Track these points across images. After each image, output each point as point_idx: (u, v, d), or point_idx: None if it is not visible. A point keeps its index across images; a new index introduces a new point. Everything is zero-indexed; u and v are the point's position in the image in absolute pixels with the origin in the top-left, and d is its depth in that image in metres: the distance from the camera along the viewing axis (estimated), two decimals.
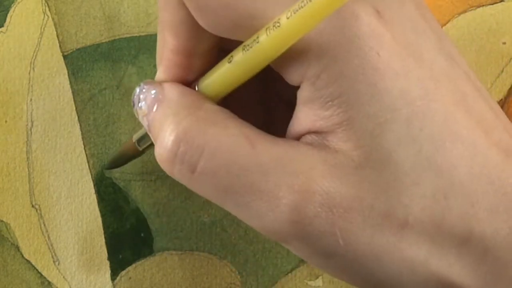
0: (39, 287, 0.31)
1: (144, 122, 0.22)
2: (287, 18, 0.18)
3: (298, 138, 0.21)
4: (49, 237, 0.31)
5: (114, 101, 0.31)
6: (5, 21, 0.31)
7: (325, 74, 0.19)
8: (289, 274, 0.31)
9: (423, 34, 0.20)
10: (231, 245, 0.31)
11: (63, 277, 0.31)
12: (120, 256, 0.31)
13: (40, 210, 0.31)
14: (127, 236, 0.31)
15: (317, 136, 0.20)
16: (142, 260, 0.31)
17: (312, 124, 0.20)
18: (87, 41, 0.31)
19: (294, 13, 0.18)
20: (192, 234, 0.31)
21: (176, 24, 0.21)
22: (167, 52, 0.22)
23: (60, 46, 0.31)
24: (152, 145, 0.27)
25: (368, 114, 0.19)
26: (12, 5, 0.31)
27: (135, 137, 0.27)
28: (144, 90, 0.22)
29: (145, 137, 0.27)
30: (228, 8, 0.19)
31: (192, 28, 0.21)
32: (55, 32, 0.31)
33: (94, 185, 0.31)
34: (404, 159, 0.19)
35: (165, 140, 0.20)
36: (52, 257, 0.31)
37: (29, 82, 0.31)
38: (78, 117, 0.31)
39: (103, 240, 0.31)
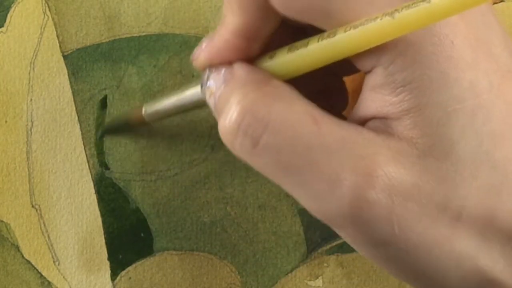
0: (39, 287, 0.31)
1: (211, 101, 0.22)
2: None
3: (362, 123, 0.21)
4: (49, 237, 0.31)
5: (114, 101, 0.31)
6: (5, 21, 0.31)
7: (400, 59, 0.19)
8: (289, 274, 0.31)
9: (492, 28, 0.20)
10: (231, 245, 0.31)
11: (63, 277, 0.31)
12: (120, 256, 0.31)
13: (40, 210, 0.31)
14: (127, 236, 0.31)
15: (381, 123, 0.20)
16: (142, 260, 0.31)
17: (379, 109, 0.20)
18: (87, 41, 0.31)
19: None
20: (192, 234, 0.31)
21: (245, 3, 0.21)
22: (224, 33, 0.22)
23: (60, 46, 0.31)
24: (158, 120, 0.27)
25: (437, 102, 0.19)
26: (12, 5, 0.31)
27: (145, 107, 0.27)
28: (213, 70, 0.22)
29: (153, 109, 0.26)
30: None
31: (262, 9, 0.21)
32: (55, 32, 0.31)
33: (94, 185, 0.31)
34: (465, 151, 0.19)
35: (230, 112, 0.20)
36: (52, 257, 0.31)
37: (29, 82, 0.31)
38: (78, 117, 0.31)
39: (103, 240, 0.31)
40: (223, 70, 0.22)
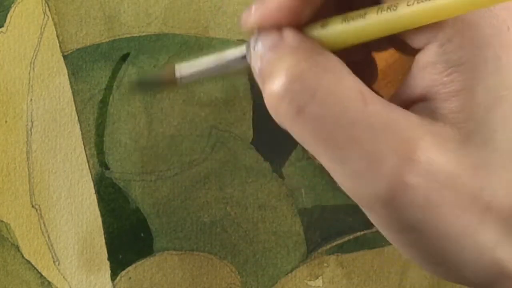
0: (39, 287, 0.31)
1: (257, 64, 0.21)
2: None
3: (408, 102, 0.20)
4: (49, 237, 0.31)
5: (114, 101, 0.31)
6: (5, 21, 0.31)
7: (458, 38, 0.19)
8: (289, 274, 0.31)
9: None
10: (231, 245, 0.31)
11: (63, 277, 0.31)
12: (120, 256, 0.31)
13: (40, 210, 0.31)
14: (127, 236, 0.31)
15: (427, 106, 0.20)
16: (142, 260, 0.31)
17: (428, 89, 0.20)
18: (87, 41, 0.31)
19: None
20: (192, 234, 0.31)
21: None
22: None
23: (60, 46, 0.31)
24: (191, 82, 0.26)
25: (487, 87, 0.19)
26: (12, 5, 0.31)
27: (179, 67, 0.26)
28: (262, 34, 0.22)
29: (187, 69, 0.25)
30: None
31: None
32: (55, 32, 0.31)
33: (94, 185, 0.31)
34: (503, 141, 0.19)
35: (279, 77, 0.20)
36: (52, 257, 0.31)
37: (29, 82, 0.31)
38: (78, 117, 0.31)
39: (103, 240, 0.31)
40: (273, 34, 0.21)
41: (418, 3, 0.19)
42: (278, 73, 0.20)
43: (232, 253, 0.31)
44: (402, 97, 0.21)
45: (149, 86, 0.29)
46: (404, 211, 0.19)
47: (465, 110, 0.19)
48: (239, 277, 0.31)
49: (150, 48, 0.31)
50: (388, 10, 0.19)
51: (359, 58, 0.25)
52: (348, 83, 0.20)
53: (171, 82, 0.26)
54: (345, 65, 0.20)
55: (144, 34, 0.31)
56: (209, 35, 0.31)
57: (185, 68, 0.26)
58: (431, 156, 0.19)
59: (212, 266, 0.31)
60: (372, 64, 0.27)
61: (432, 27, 0.19)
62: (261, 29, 0.22)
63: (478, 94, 0.19)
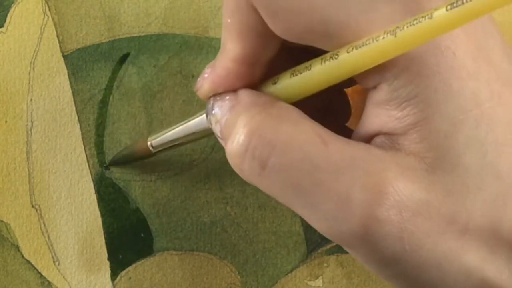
0: (39, 287, 0.31)
1: (217, 128, 0.22)
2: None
3: (366, 140, 0.21)
4: (49, 237, 0.31)
5: (114, 101, 0.31)
6: (5, 21, 0.31)
7: (404, 74, 0.19)
8: (289, 274, 0.31)
9: (491, 36, 0.20)
10: (231, 245, 0.31)
11: (63, 277, 0.31)
12: (120, 256, 0.31)
13: (40, 210, 0.31)
14: (127, 236, 0.31)
15: (387, 139, 0.20)
16: (142, 260, 0.31)
17: (383, 125, 0.20)
18: (87, 41, 0.31)
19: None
20: (192, 234, 0.31)
21: (244, 30, 0.21)
22: (225, 61, 0.22)
23: (60, 46, 0.31)
24: (164, 150, 0.28)
25: (443, 114, 0.19)
26: (12, 5, 0.31)
27: (151, 139, 0.28)
28: (218, 99, 0.22)
29: (159, 141, 0.27)
30: (301, 13, 0.19)
31: (261, 35, 0.21)
32: (55, 32, 0.31)
33: (94, 185, 0.31)
34: (471, 163, 0.19)
35: (237, 136, 0.20)
36: (52, 257, 0.31)
37: (29, 82, 0.31)
38: (78, 117, 0.31)
39: (103, 240, 0.31)
40: (227, 97, 0.22)
41: (356, 49, 0.19)
42: (236, 132, 0.20)
43: (232, 253, 0.31)
44: (362, 132, 0.21)
45: (127, 159, 0.31)
46: (383, 245, 0.19)
47: (425, 140, 0.19)
48: (239, 277, 0.31)
49: (150, 48, 0.31)
50: (331, 59, 0.20)
51: (328, 100, 0.25)
52: (305, 128, 0.20)
53: (146, 153, 0.28)
54: (300, 111, 0.21)
55: (144, 34, 0.31)
56: (209, 35, 0.31)
57: (156, 140, 0.28)
58: (399, 187, 0.19)
59: (212, 266, 0.31)
60: (344, 101, 0.27)
61: (379, 67, 0.19)
62: (216, 94, 0.22)
63: (435, 123, 0.19)
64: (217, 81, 0.22)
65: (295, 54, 0.22)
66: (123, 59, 0.31)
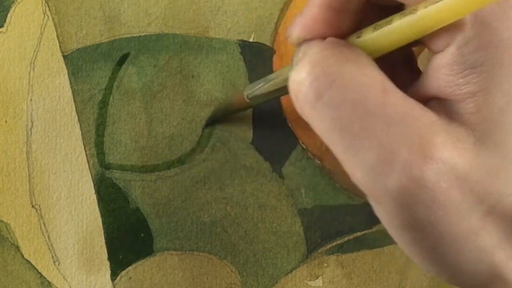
0: (39, 287, 0.31)
1: (294, 61, 0.22)
2: None
3: (423, 100, 0.20)
4: (49, 237, 0.31)
5: (114, 101, 0.31)
6: (5, 21, 0.31)
7: (476, 40, 0.19)
8: (289, 274, 0.31)
9: None
10: (231, 245, 0.31)
11: (63, 277, 0.31)
12: (120, 256, 0.31)
13: (40, 210, 0.31)
14: (127, 236, 0.31)
15: (442, 104, 0.20)
16: (142, 260, 0.31)
17: (441, 90, 0.20)
18: (87, 41, 0.31)
19: None
20: (192, 234, 0.31)
21: None
22: (313, 9, 0.22)
23: (60, 46, 0.31)
24: (260, 101, 0.28)
25: (503, 90, 0.19)
26: (12, 5, 0.31)
27: (246, 92, 0.28)
28: (304, 44, 0.22)
29: (255, 94, 0.27)
30: None
31: None
32: (55, 32, 0.31)
33: (94, 185, 0.31)
34: None
35: (303, 62, 0.20)
36: (52, 257, 0.31)
37: (29, 82, 0.31)
38: (78, 117, 0.31)
39: (103, 240, 0.31)
40: (313, 42, 0.22)
41: (433, 3, 0.19)
42: (302, 59, 0.20)
43: (232, 253, 0.31)
44: (417, 95, 0.21)
45: (225, 113, 0.31)
46: (411, 208, 0.19)
47: (480, 111, 0.19)
48: (239, 277, 0.31)
49: (150, 48, 0.31)
50: (410, 14, 0.20)
51: (402, 57, 0.25)
52: (369, 73, 0.20)
53: (244, 105, 0.28)
54: (370, 58, 0.21)
55: (144, 34, 0.31)
56: (209, 35, 0.31)
57: (252, 92, 0.28)
58: (445, 155, 0.19)
59: (212, 266, 0.31)
60: (412, 59, 0.27)
61: (451, 29, 0.19)
62: (305, 40, 0.22)
63: (493, 97, 0.19)
64: (306, 27, 0.22)
65: (381, 12, 0.22)
66: (123, 59, 0.31)
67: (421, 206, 0.19)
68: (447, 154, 0.19)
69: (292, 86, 0.21)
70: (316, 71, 0.20)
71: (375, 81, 0.20)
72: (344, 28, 0.22)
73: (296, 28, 0.22)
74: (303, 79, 0.20)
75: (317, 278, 0.31)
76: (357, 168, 0.19)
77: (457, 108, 0.19)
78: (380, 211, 0.20)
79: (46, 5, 0.31)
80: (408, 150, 0.19)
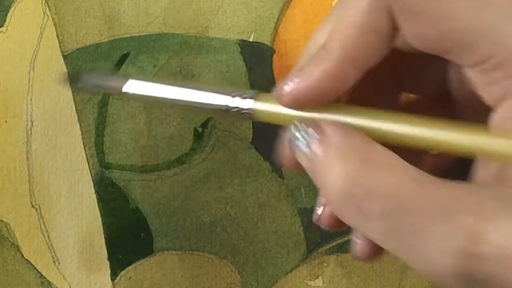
0: (39, 287, 0.31)
1: (304, 161, 0.22)
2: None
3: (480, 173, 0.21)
4: (49, 237, 0.31)
5: (114, 101, 0.31)
6: (5, 21, 0.31)
7: None
8: (289, 274, 0.31)
9: None
10: (231, 245, 0.31)
11: (63, 277, 0.31)
12: (120, 256, 0.31)
13: (40, 210, 0.31)
14: (127, 236, 0.31)
15: (497, 168, 0.20)
16: (142, 260, 0.31)
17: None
18: (87, 41, 0.31)
19: None
20: (192, 234, 0.31)
21: (366, 29, 0.20)
22: (326, 63, 0.21)
23: (60, 46, 0.31)
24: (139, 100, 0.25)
25: None
26: (12, 5, 0.31)
27: (130, 86, 0.24)
28: (302, 130, 0.22)
29: (144, 93, 0.24)
30: (441, 18, 0.19)
31: (380, 38, 0.21)
32: (55, 32, 0.31)
33: (94, 185, 0.31)
34: None
35: (335, 182, 0.20)
36: (52, 257, 0.31)
37: (29, 82, 0.31)
38: (78, 117, 0.31)
39: (103, 240, 0.31)
40: (311, 131, 0.21)
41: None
42: (332, 178, 0.20)
43: (232, 253, 0.31)
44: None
45: (93, 87, 0.27)
46: (485, 285, 0.19)
47: None
48: (239, 277, 0.31)
49: (150, 48, 0.31)
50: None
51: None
52: (401, 173, 0.20)
53: (117, 94, 0.25)
54: (395, 155, 0.21)
55: (144, 34, 0.31)
56: (209, 34, 0.31)
57: (138, 88, 0.25)
58: (500, 224, 0.18)
59: (212, 266, 0.31)
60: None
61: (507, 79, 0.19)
62: (304, 105, 0.22)
63: None
64: (311, 85, 0.21)
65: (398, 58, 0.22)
66: (123, 59, 0.31)
67: (493, 280, 0.19)
68: (502, 223, 0.19)
69: (332, 204, 0.21)
70: (351, 190, 0.20)
71: (409, 179, 0.20)
72: (355, 82, 0.22)
73: (296, 88, 0.21)
74: (341, 200, 0.20)
75: (317, 277, 0.31)
76: (421, 263, 0.20)
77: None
78: None
79: (46, 4, 0.31)
80: (462, 231, 0.19)
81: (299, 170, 0.24)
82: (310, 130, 0.22)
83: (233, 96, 0.23)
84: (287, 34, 0.31)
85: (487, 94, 0.20)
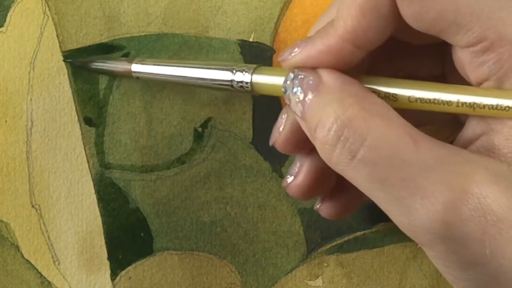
0: (39, 287, 0.31)
1: (297, 108, 0.22)
2: None
3: (466, 145, 0.21)
4: (49, 237, 0.31)
5: (114, 101, 0.31)
6: (5, 21, 0.31)
7: None
8: (289, 274, 0.31)
9: None
10: (231, 245, 0.31)
11: (63, 277, 0.31)
12: (120, 256, 0.31)
13: (40, 210, 0.31)
14: (127, 236, 0.31)
15: (484, 145, 0.20)
16: (142, 260, 0.31)
17: (489, 126, 0.20)
18: (87, 41, 0.31)
19: None
20: (192, 234, 0.31)
21: (368, 8, 0.21)
22: (330, 38, 0.22)
23: (60, 46, 0.31)
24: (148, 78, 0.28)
25: None
26: (12, 5, 0.31)
27: (139, 65, 0.29)
28: (299, 77, 0.22)
29: (151, 73, 0.28)
30: None
31: (382, 18, 0.21)
32: (55, 32, 0.31)
33: (94, 185, 0.31)
34: None
35: (328, 125, 0.20)
36: (52, 257, 0.31)
37: (29, 82, 0.31)
38: (78, 117, 0.31)
39: (103, 240, 0.31)
40: (310, 78, 0.22)
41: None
42: (327, 121, 0.21)
43: (232, 253, 0.31)
44: (464, 137, 0.21)
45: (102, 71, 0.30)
46: (463, 245, 0.19)
47: None
48: (239, 277, 0.31)
49: (150, 48, 0.31)
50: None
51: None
52: (395, 125, 0.20)
53: (127, 75, 0.29)
54: (390, 107, 0.21)
55: (144, 34, 0.31)
56: (209, 35, 0.31)
57: (146, 69, 0.28)
58: (486, 190, 0.19)
59: (212, 266, 0.31)
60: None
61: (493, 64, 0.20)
62: (304, 67, 0.22)
63: None
64: (312, 56, 0.22)
65: (399, 47, 0.23)
66: None
67: (472, 241, 0.19)
68: (488, 189, 0.19)
69: (322, 149, 0.21)
70: (346, 133, 0.20)
71: (404, 133, 0.20)
72: (355, 62, 0.22)
73: (300, 54, 0.22)
74: (333, 143, 0.20)
75: (317, 277, 0.31)
76: (401, 216, 0.20)
77: (500, 147, 0.20)
78: (433, 256, 0.20)
79: (46, 4, 0.31)
80: (448, 189, 0.19)
81: (294, 150, 0.24)
82: (307, 76, 0.22)
83: (234, 72, 0.24)
84: (287, 34, 0.31)
85: (473, 74, 0.21)
